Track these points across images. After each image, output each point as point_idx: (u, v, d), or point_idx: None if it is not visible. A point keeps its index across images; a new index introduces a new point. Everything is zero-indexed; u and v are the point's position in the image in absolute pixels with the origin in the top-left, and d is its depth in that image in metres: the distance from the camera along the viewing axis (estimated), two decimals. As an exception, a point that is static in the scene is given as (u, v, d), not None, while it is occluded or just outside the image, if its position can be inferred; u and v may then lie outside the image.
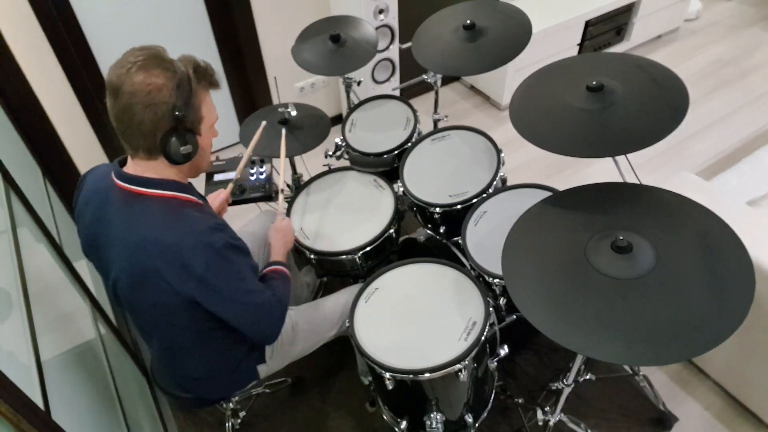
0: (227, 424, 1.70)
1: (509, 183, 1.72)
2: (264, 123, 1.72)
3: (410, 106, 1.98)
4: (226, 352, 1.34)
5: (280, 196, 1.64)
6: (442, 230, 1.76)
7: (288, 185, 2.17)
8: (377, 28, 2.56)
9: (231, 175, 1.93)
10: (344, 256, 1.65)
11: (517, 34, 1.69)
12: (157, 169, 1.13)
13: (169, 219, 1.10)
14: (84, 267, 1.77)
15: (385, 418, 1.59)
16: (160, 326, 1.23)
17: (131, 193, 1.12)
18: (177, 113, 1.07)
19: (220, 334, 1.26)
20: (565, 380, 1.50)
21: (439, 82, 2.02)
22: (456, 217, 1.69)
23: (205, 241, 1.08)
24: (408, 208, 1.85)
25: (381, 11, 2.54)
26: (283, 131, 1.75)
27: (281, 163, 1.70)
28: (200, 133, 1.15)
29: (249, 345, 1.39)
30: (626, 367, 1.88)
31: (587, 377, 1.61)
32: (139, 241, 1.09)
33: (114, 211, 1.13)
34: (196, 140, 1.14)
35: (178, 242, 1.07)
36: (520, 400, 1.82)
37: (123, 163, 1.17)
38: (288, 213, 1.80)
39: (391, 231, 1.70)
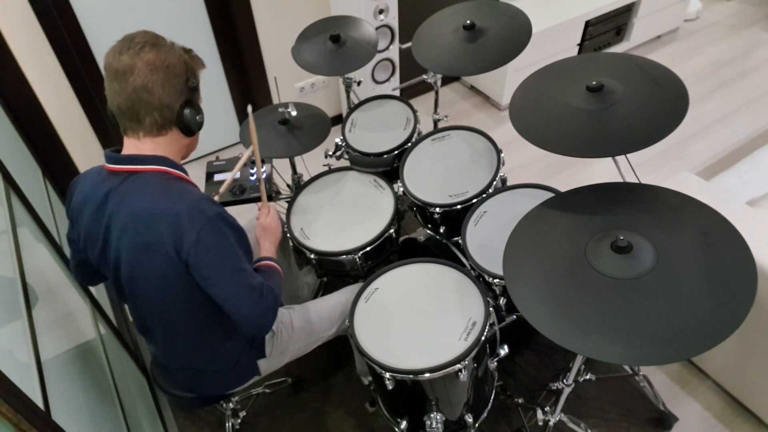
0: (227, 424, 1.70)
1: (509, 183, 1.72)
2: (249, 108, 1.65)
3: (410, 106, 1.98)
4: (226, 342, 1.34)
5: (262, 186, 1.60)
6: (442, 230, 1.76)
7: (288, 185, 2.17)
8: (377, 28, 2.56)
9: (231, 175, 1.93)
10: (344, 256, 1.65)
11: (517, 34, 1.69)
12: (157, 146, 1.16)
13: (162, 189, 1.12)
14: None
15: (384, 418, 1.59)
16: (160, 310, 1.22)
17: (125, 173, 1.14)
18: (191, 85, 1.15)
19: (219, 320, 1.26)
20: (565, 380, 1.50)
21: (439, 82, 2.02)
22: (456, 217, 1.69)
23: (197, 208, 1.10)
24: (408, 208, 1.85)
25: (381, 11, 2.54)
26: (249, 109, 1.59)
27: (254, 146, 1.54)
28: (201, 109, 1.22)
29: (249, 338, 1.40)
30: (626, 367, 1.88)
31: (587, 377, 1.61)
32: (134, 213, 1.10)
33: (109, 196, 1.14)
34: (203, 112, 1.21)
35: (171, 208, 1.09)
36: (520, 400, 1.82)
37: (116, 151, 1.19)
38: (288, 213, 1.80)
39: (391, 231, 1.70)
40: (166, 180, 1.14)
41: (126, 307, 1.30)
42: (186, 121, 1.16)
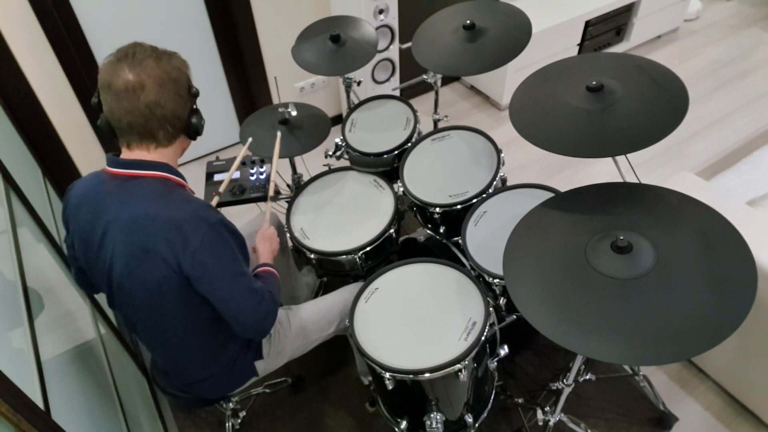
0: (227, 424, 1.70)
1: (509, 183, 1.72)
2: (250, 140, 1.70)
3: (410, 106, 1.98)
4: (222, 347, 1.34)
5: (269, 203, 1.63)
6: (442, 230, 1.76)
7: (288, 185, 2.17)
8: (377, 28, 2.56)
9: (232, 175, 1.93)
10: (344, 256, 1.65)
11: (517, 34, 1.69)
12: (163, 155, 1.18)
13: (164, 196, 1.13)
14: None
15: (384, 418, 1.59)
16: (154, 319, 1.21)
17: (126, 176, 1.15)
18: (193, 92, 1.18)
19: (214, 326, 1.26)
20: (565, 380, 1.50)
21: (439, 82, 2.02)
22: (456, 217, 1.69)
23: (200, 215, 1.12)
24: (408, 208, 1.85)
25: (381, 11, 2.54)
26: (278, 134, 1.73)
27: (273, 167, 1.69)
28: None
29: (246, 340, 1.39)
30: (626, 367, 1.88)
31: (587, 377, 1.61)
32: (134, 217, 1.10)
33: (108, 198, 1.14)
34: None
35: (173, 215, 1.10)
36: (520, 400, 1.82)
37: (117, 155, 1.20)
38: (288, 213, 1.80)
39: (391, 231, 1.70)
40: (167, 187, 1.15)
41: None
42: (194, 126, 1.20)
